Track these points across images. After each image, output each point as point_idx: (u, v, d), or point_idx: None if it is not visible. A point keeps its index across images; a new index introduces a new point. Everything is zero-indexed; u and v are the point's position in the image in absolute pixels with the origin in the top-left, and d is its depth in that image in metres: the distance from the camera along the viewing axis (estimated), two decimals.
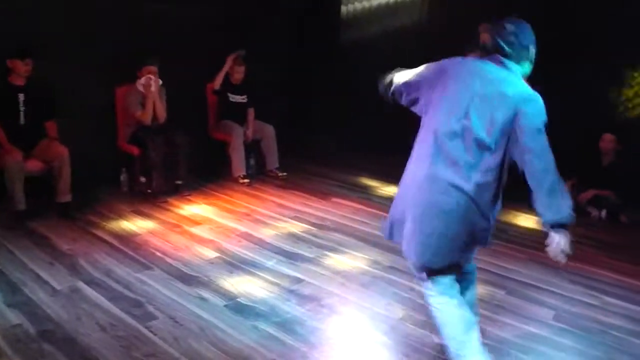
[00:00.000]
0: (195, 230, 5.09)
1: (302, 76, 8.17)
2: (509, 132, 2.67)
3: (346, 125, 8.05)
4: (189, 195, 5.98)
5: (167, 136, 5.85)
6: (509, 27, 2.77)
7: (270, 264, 4.47)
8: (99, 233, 4.92)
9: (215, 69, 6.65)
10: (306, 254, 4.68)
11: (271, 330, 3.51)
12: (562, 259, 2.66)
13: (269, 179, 6.74)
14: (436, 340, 3.29)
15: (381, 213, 5.67)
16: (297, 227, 5.25)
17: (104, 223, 5.16)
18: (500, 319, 3.75)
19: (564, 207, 2.66)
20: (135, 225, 5.15)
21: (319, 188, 6.44)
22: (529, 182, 2.73)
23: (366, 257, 4.65)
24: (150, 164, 5.80)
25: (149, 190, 5.87)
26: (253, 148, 6.91)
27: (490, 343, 3.44)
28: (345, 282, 4.19)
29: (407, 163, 2.97)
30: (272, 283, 4.14)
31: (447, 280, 2.91)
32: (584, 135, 5.90)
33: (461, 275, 3.04)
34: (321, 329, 3.56)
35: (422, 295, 3.96)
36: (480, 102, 2.69)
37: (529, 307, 3.93)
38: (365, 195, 6.28)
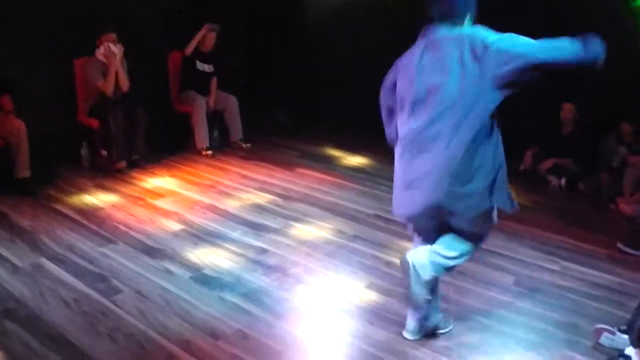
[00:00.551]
0: (159, 203, 5.05)
1: (264, 50, 8.08)
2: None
3: (309, 98, 8.03)
4: (151, 167, 5.91)
5: (126, 109, 5.75)
6: None
7: (235, 235, 4.47)
8: (61, 208, 4.85)
9: (175, 39, 6.53)
10: (271, 224, 4.69)
11: (237, 300, 3.53)
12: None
13: (233, 151, 6.70)
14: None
15: (346, 183, 5.72)
16: (261, 198, 5.25)
17: (66, 198, 5.08)
18: (462, 285, 3.83)
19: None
20: (97, 199, 5.09)
21: (284, 159, 6.43)
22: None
23: (331, 226, 4.68)
24: (110, 137, 5.71)
25: (111, 164, 5.79)
26: (216, 120, 6.84)
27: (452, 309, 3.52)
28: (310, 251, 4.22)
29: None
30: (237, 254, 4.15)
31: None
32: (545, 105, 5.98)
33: None
34: (287, 298, 3.60)
35: (386, 263, 4.04)
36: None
37: (490, 273, 4.02)
38: (330, 166, 6.30)
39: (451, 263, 3.01)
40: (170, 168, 5.98)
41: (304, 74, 7.87)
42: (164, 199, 5.13)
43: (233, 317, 3.36)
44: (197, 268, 3.93)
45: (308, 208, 5.07)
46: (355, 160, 6.57)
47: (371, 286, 3.76)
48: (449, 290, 3.73)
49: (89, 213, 4.78)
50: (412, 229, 3.21)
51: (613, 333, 3.21)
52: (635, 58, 5.46)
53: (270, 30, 7.99)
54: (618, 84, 5.52)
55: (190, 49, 6.52)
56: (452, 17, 2.78)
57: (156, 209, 4.90)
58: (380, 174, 6.04)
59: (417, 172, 2.82)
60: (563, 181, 5.82)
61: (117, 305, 3.43)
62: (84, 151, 5.94)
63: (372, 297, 3.63)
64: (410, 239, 4.45)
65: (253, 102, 7.44)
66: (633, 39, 5.50)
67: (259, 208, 5.03)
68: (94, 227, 4.51)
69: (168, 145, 6.49)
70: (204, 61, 6.64)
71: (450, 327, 3.29)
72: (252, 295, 3.61)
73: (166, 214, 4.81)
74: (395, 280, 3.81)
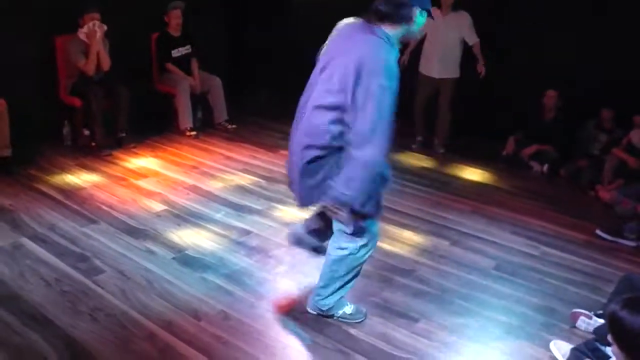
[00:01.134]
0: (142, 183, 5.02)
1: (246, 29, 8.00)
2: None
3: (293, 79, 7.98)
4: (134, 147, 5.87)
5: (107, 88, 5.69)
6: None
7: (218, 216, 4.47)
8: (42, 188, 4.81)
9: (158, 19, 6.45)
10: (254, 206, 4.69)
11: (219, 281, 3.53)
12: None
13: (217, 132, 6.65)
14: None
15: None
16: (245, 180, 5.24)
17: (47, 177, 5.03)
18: (443, 269, 3.87)
19: None
20: (79, 179, 5.05)
21: (267, 141, 6.41)
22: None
23: (313, 209, 4.67)
24: (91, 116, 5.65)
25: (93, 144, 5.73)
26: (200, 100, 6.79)
27: (433, 292, 3.56)
28: None
29: None
30: (220, 235, 4.15)
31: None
32: (529, 91, 6.01)
33: None
34: (269, 279, 3.61)
35: None
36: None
37: (471, 257, 4.06)
38: None
39: None
40: (154, 148, 5.94)
41: (289, 53, 7.82)
42: (147, 180, 5.10)
43: (215, 297, 3.36)
44: (179, 249, 3.93)
45: None
46: None
47: None
48: (431, 273, 3.77)
49: (71, 193, 4.74)
50: None
51: (589, 317, 3.27)
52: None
53: (252, 7, 7.89)
54: (600, 70, 5.58)
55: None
56: (391, 20, 2.75)
57: (139, 190, 4.88)
58: None
59: None
60: (545, 167, 5.87)
61: (98, 285, 3.42)
62: (65, 130, 5.88)
63: None
64: (393, 223, 4.50)
65: (236, 83, 7.39)
66: None
67: (242, 189, 5.02)
68: (75, 206, 4.48)
69: (151, 125, 6.44)
70: (178, 45, 6.54)
71: (359, 319, 3.24)
72: (235, 276, 3.62)
73: (149, 194, 4.79)
74: (378, 264, 3.84)
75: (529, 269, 3.94)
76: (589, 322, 3.24)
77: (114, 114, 5.79)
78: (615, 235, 4.45)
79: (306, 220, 3.37)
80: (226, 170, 5.46)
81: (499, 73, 5.99)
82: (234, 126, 6.74)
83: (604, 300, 3.37)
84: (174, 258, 3.80)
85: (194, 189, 4.96)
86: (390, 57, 2.69)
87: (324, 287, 3.15)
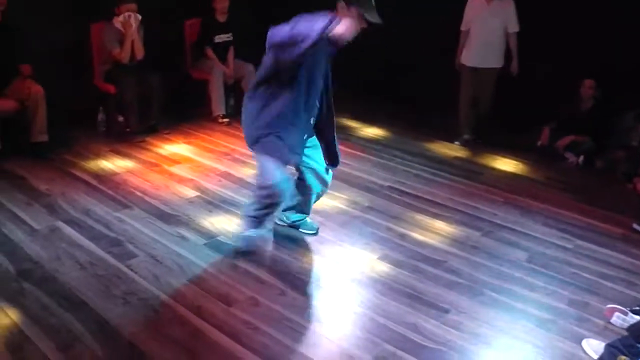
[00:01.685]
0: (175, 169, 5.07)
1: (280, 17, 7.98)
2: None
3: None
4: (167, 134, 5.92)
5: (140, 75, 5.74)
6: None
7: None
8: (77, 173, 4.88)
9: (192, 6, 6.48)
10: None
11: (250, 268, 3.55)
12: None
13: None
14: None
15: (361, 154, 5.71)
16: None
17: (82, 163, 5.11)
18: (475, 260, 3.83)
19: None
20: (113, 164, 5.12)
21: None
22: None
23: (345, 197, 4.68)
24: (124, 103, 5.71)
25: (127, 130, 5.81)
26: (233, 87, 6.81)
27: (464, 282, 3.53)
28: (323, 221, 4.22)
29: None
30: None
31: None
32: (564, 80, 5.90)
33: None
34: (299, 267, 3.62)
35: (399, 236, 4.06)
36: None
37: (503, 249, 4.02)
38: (346, 136, 6.27)
39: None
40: (186, 135, 5.98)
41: None
42: (180, 166, 5.15)
43: (245, 284, 3.39)
44: (211, 235, 3.96)
45: None
46: (371, 131, 6.54)
47: (384, 258, 3.77)
48: (462, 264, 3.74)
49: (105, 178, 4.81)
50: None
51: (625, 313, 3.21)
52: None
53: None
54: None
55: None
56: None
57: (171, 176, 4.92)
58: (396, 145, 6.03)
59: None
60: (581, 159, 5.77)
61: (131, 270, 3.47)
62: (100, 116, 5.96)
63: (384, 268, 3.65)
64: (424, 213, 4.48)
65: None
66: None
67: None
68: (109, 191, 4.55)
69: (184, 112, 6.49)
70: (221, 32, 6.57)
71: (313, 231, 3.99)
72: (265, 263, 3.63)
73: (181, 180, 4.83)
74: (409, 253, 3.83)
75: (562, 262, 3.89)
76: (624, 319, 3.18)
77: (147, 101, 5.85)
78: None
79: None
80: None
81: (534, 62, 5.90)
82: None
83: None
84: (205, 244, 3.83)
85: (226, 176, 4.99)
86: None
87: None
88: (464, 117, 6.21)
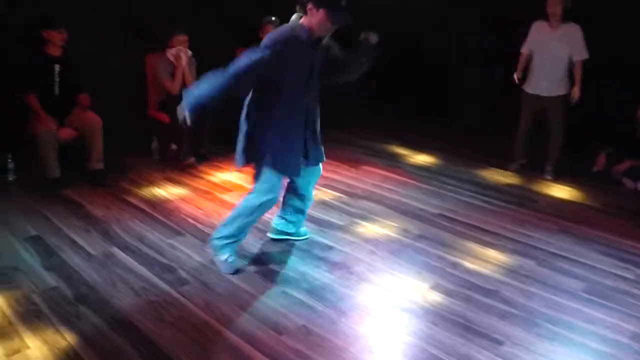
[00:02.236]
0: (226, 197, 5.13)
1: None
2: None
3: (372, 94, 8.02)
4: (219, 162, 6.01)
5: None
6: None
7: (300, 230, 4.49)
8: (131, 200, 5.00)
9: (242, 36, 6.61)
10: (336, 221, 4.69)
11: (300, 296, 3.55)
12: None
13: None
14: None
15: (411, 181, 5.67)
16: (327, 195, 5.26)
17: (136, 190, 5.23)
18: (529, 289, 3.73)
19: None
20: (166, 192, 5.22)
21: (348, 155, 6.42)
22: None
23: (396, 225, 4.65)
24: (178, 132, 5.84)
25: (180, 158, 5.93)
26: None
27: (518, 313, 3.44)
28: (374, 249, 4.20)
29: None
30: (302, 250, 4.18)
31: None
32: (621, 104, 5.76)
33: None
34: (350, 295, 3.59)
35: (451, 264, 3.99)
36: None
37: (558, 278, 3.90)
38: (395, 164, 6.25)
39: None
40: None
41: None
42: (231, 193, 5.21)
43: (296, 312, 3.38)
44: (262, 262, 3.98)
45: (373, 206, 5.05)
46: (421, 158, 6.50)
47: (436, 287, 3.71)
48: (516, 294, 3.65)
49: (159, 205, 4.91)
50: None
51: None
52: None
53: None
54: None
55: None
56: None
57: (223, 203, 4.98)
58: (446, 172, 5.97)
59: None
60: (639, 184, 5.59)
61: (183, 296, 3.51)
62: (154, 145, 6.11)
63: (436, 297, 3.59)
64: (476, 241, 4.40)
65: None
66: None
67: (324, 205, 5.04)
68: (162, 218, 4.64)
69: (235, 140, 6.55)
70: None
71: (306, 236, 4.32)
72: (316, 291, 3.62)
73: (233, 208, 4.87)
74: (461, 282, 3.76)
75: (623, 293, 3.74)
76: None
77: (200, 130, 5.96)
78: None
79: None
80: None
81: (588, 86, 5.78)
82: None
83: None
84: (256, 271, 3.85)
85: (277, 204, 5.00)
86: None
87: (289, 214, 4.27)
88: (520, 142, 6.07)
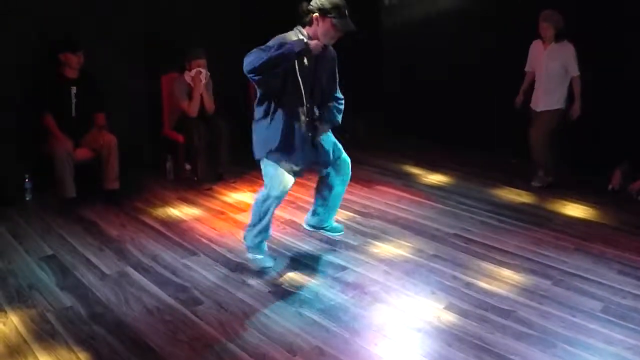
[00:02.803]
0: (240, 217, 5.14)
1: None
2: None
3: (387, 111, 8.05)
4: (234, 182, 6.04)
5: (209, 124, 5.91)
6: None
7: (314, 251, 4.49)
8: (146, 219, 5.03)
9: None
10: (350, 241, 4.68)
11: (315, 316, 3.53)
12: None
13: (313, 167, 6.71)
14: None
15: (425, 201, 5.64)
16: (340, 215, 5.24)
17: (151, 210, 5.26)
18: (545, 310, 3.69)
19: None
20: (181, 211, 5.24)
21: (361, 175, 6.40)
22: None
23: (410, 245, 4.63)
24: (194, 152, 5.88)
25: (195, 178, 5.96)
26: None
27: (535, 334, 3.40)
28: (388, 270, 4.18)
29: None
30: (316, 270, 4.17)
31: None
32: (636, 118, 5.73)
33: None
34: (365, 316, 3.58)
35: (465, 284, 3.96)
36: None
37: (576, 298, 3.85)
38: (409, 183, 6.24)
39: None
40: (252, 183, 6.07)
41: (384, 91, 7.89)
42: (245, 214, 5.21)
43: (310, 332, 3.36)
44: (276, 283, 3.97)
45: (387, 226, 5.04)
46: (435, 177, 6.48)
47: (450, 307, 3.68)
48: (532, 314, 3.61)
49: (173, 225, 4.93)
50: None
51: None
52: None
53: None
54: None
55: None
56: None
57: (237, 223, 4.99)
58: (461, 192, 5.93)
59: None
60: None
61: (197, 316, 3.51)
62: (168, 164, 6.15)
63: (450, 318, 3.56)
64: (491, 261, 4.37)
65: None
66: None
67: (338, 225, 5.02)
68: (176, 238, 4.65)
69: (250, 160, 6.58)
70: None
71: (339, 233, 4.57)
72: (330, 311, 3.61)
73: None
74: (476, 302, 3.73)
75: None
76: None
77: (215, 150, 6.00)
78: None
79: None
80: None
81: (601, 100, 5.75)
82: None
83: None
84: (270, 292, 3.84)
85: (290, 224, 5.02)
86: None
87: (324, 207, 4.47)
88: (537, 158, 6.05)
